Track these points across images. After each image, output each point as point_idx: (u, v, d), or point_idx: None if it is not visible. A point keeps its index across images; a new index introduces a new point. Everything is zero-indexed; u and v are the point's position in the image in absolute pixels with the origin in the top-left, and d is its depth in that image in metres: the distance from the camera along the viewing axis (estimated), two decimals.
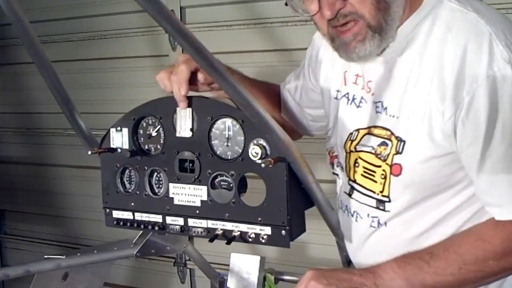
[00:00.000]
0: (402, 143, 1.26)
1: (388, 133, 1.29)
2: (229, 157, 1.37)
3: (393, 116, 1.28)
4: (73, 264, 1.72)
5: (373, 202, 1.35)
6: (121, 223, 1.52)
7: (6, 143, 3.92)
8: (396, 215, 1.33)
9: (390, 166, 1.29)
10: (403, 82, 1.27)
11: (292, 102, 1.67)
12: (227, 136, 1.37)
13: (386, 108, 1.30)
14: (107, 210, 1.53)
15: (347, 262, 1.52)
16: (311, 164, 1.36)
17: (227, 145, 1.37)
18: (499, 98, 1.16)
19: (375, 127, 1.32)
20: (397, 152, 1.27)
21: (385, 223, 1.35)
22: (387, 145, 1.29)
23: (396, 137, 1.28)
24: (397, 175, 1.28)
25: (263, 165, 1.30)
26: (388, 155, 1.29)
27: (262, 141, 1.31)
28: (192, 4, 3.05)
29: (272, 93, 1.69)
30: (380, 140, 1.31)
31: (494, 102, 1.16)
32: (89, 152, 1.51)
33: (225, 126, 1.37)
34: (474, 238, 1.22)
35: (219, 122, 1.37)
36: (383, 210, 1.33)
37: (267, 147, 1.31)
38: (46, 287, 1.74)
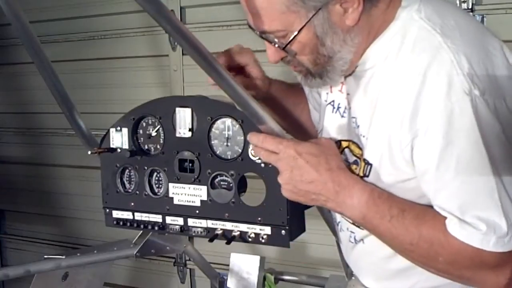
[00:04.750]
0: (369, 166, 1.22)
1: (361, 152, 1.26)
2: (229, 157, 1.37)
3: (364, 136, 1.25)
4: (73, 264, 1.72)
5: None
6: (121, 223, 1.52)
7: (6, 143, 3.92)
8: (371, 234, 1.29)
9: None
10: (373, 102, 1.22)
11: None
12: (226, 136, 1.37)
13: (358, 126, 1.26)
14: (107, 210, 1.53)
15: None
16: None
17: (227, 145, 1.37)
18: (455, 132, 1.09)
19: (353, 142, 1.29)
20: (364, 175, 1.23)
21: (362, 240, 1.33)
22: (358, 164, 1.26)
23: (363, 159, 1.24)
24: None
25: (263, 165, 1.30)
26: (357, 176, 1.25)
27: None
28: (192, 4, 3.05)
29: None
30: (354, 158, 1.27)
31: (449, 135, 1.09)
32: (89, 152, 1.52)
33: (225, 126, 1.37)
34: (440, 228, 1.15)
35: (218, 122, 1.37)
36: (359, 227, 1.31)
37: None
38: (46, 287, 1.74)
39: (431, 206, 1.18)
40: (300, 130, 1.55)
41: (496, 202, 1.09)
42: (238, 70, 1.43)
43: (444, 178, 1.12)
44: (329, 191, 1.21)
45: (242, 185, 1.37)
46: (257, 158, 1.31)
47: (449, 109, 1.09)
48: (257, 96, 1.31)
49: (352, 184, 1.20)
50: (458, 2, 2.35)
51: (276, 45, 1.22)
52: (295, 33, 1.18)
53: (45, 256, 1.71)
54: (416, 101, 1.12)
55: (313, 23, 1.17)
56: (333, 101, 1.36)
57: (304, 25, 1.17)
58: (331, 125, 1.36)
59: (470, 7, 2.34)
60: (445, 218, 1.15)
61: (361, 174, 1.24)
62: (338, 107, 1.35)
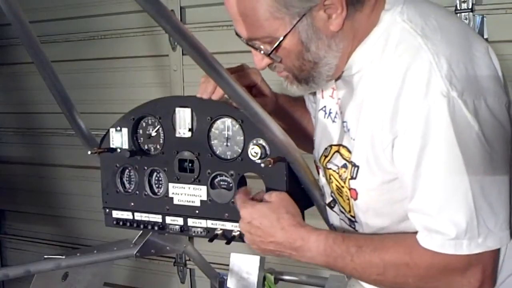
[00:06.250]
0: (356, 168, 1.23)
1: (350, 155, 1.26)
2: (229, 157, 1.37)
3: (353, 139, 1.25)
4: (73, 264, 1.72)
5: (347, 220, 1.34)
6: (121, 223, 1.52)
7: (6, 143, 3.92)
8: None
9: (349, 190, 1.27)
10: (360, 105, 1.23)
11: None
12: (226, 136, 1.37)
13: (349, 130, 1.27)
14: (107, 210, 1.53)
15: None
16: (311, 164, 1.36)
17: (227, 145, 1.37)
18: (432, 132, 1.10)
19: (343, 146, 1.29)
20: (352, 177, 1.24)
21: None
22: (346, 167, 1.27)
23: (351, 162, 1.25)
24: (355, 200, 1.26)
25: (262, 165, 1.30)
26: (346, 178, 1.27)
27: (261, 141, 1.32)
28: (192, 4, 3.05)
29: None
30: (343, 161, 1.28)
31: (426, 135, 1.10)
32: (89, 152, 1.52)
33: (225, 126, 1.37)
34: (404, 250, 1.18)
35: (218, 122, 1.37)
36: (354, 228, 1.32)
37: (267, 147, 1.31)
38: (46, 287, 1.74)
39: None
40: (307, 140, 1.56)
41: (469, 203, 1.10)
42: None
43: (421, 178, 1.13)
44: (288, 248, 1.26)
45: (242, 185, 1.37)
46: (257, 158, 1.31)
47: (426, 110, 1.10)
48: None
49: (306, 239, 1.25)
50: (458, 2, 2.35)
51: (262, 52, 1.23)
52: (280, 39, 1.19)
53: (45, 256, 1.71)
54: (396, 101, 1.13)
55: (297, 30, 1.18)
56: (324, 106, 1.38)
57: (289, 32, 1.18)
58: (323, 130, 1.37)
59: (470, 7, 2.34)
60: (410, 238, 1.17)
61: (349, 177, 1.25)
62: (330, 112, 1.35)
